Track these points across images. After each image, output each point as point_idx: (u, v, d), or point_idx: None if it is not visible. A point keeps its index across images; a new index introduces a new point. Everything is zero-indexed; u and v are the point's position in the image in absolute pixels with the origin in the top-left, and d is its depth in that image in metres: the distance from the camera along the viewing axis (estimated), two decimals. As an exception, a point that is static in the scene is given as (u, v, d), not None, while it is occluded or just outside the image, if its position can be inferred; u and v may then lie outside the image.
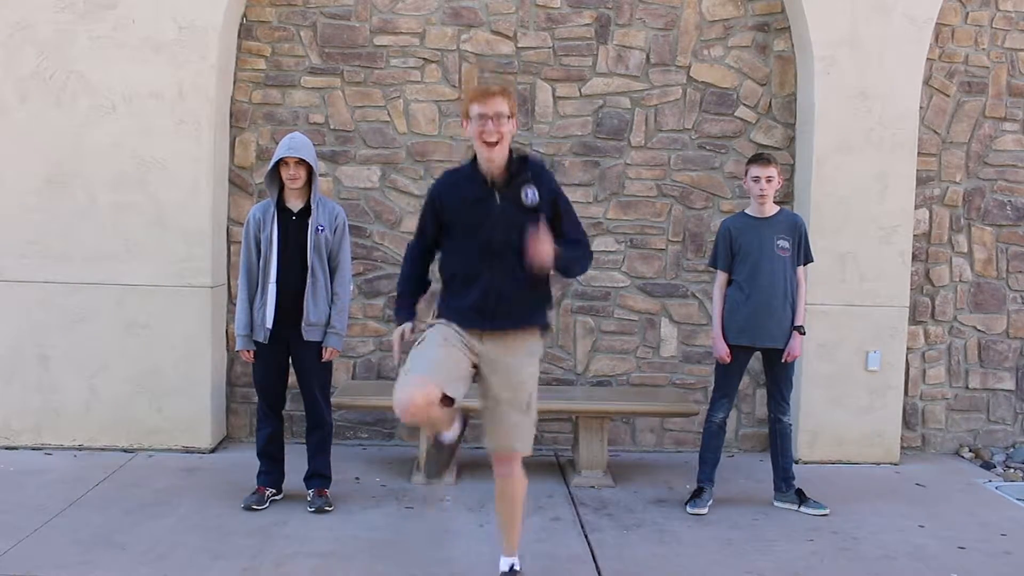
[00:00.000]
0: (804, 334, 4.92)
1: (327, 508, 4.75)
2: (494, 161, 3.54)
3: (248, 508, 4.71)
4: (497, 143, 3.50)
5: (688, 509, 4.89)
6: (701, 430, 5.10)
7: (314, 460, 4.86)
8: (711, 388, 5.13)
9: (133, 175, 5.66)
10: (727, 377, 4.95)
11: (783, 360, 4.87)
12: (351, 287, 4.96)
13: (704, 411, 5.13)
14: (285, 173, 4.61)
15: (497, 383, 3.62)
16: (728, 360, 4.88)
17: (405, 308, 3.72)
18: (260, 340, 4.70)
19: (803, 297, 4.93)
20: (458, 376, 3.55)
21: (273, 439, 4.85)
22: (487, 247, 3.55)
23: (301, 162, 4.58)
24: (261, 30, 6.02)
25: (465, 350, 3.59)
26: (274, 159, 4.61)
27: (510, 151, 3.60)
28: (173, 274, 5.68)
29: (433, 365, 3.47)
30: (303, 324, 4.67)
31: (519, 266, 3.50)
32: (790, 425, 5.01)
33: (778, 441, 5.00)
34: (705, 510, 4.88)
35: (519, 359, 3.63)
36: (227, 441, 6.01)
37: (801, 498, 4.97)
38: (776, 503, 5.03)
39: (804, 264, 4.95)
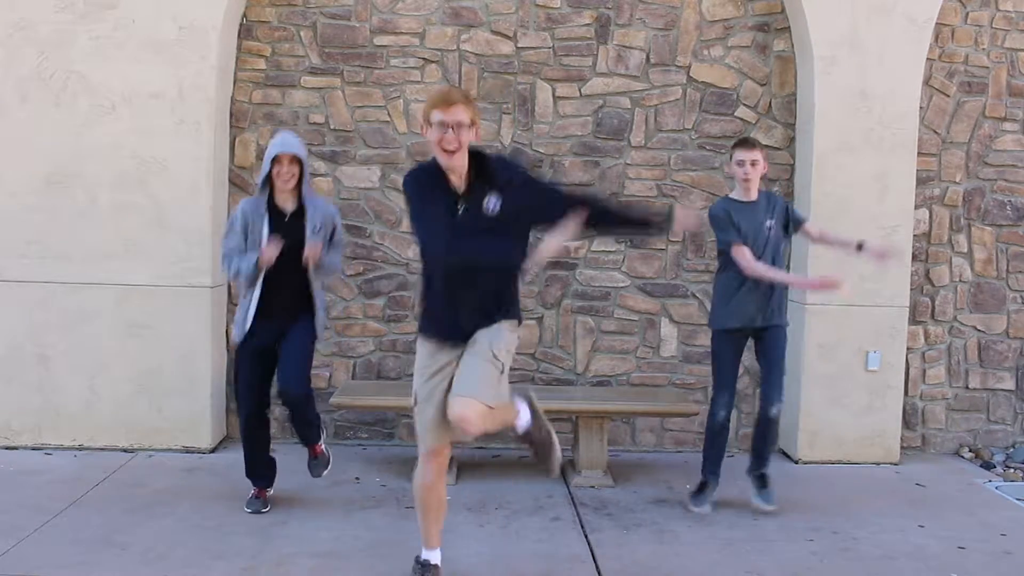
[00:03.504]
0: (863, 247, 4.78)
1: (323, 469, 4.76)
2: (454, 170, 3.48)
3: (256, 512, 4.66)
4: (455, 151, 3.43)
5: (691, 505, 4.88)
6: (701, 430, 5.09)
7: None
8: (711, 388, 5.12)
9: (133, 175, 5.66)
10: (724, 367, 4.86)
11: (880, 257, 4.72)
12: (338, 263, 4.77)
13: (704, 411, 5.12)
14: (278, 172, 4.44)
15: (468, 348, 3.58)
16: (833, 282, 4.61)
17: None
18: (241, 340, 4.59)
19: (834, 234, 4.93)
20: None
21: (255, 455, 4.74)
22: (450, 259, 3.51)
23: (295, 160, 4.44)
24: (261, 30, 6.02)
25: (449, 370, 3.58)
26: (268, 157, 4.44)
27: (470, 155, 3.51)
28: (173, 274, 5.68)
29: (432, 432, 3.63)
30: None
31: (481, 277, 3.50)
32: (778, 414, 4.83)
33: (763, 427, 4.86)
34: (707, 508, 4.87)
35: (490, 331, 3.57)
36: (227, 441, 6.01)
37: (761, 484, 4.88)
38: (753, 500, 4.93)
39: (803, 223, 4.93)
